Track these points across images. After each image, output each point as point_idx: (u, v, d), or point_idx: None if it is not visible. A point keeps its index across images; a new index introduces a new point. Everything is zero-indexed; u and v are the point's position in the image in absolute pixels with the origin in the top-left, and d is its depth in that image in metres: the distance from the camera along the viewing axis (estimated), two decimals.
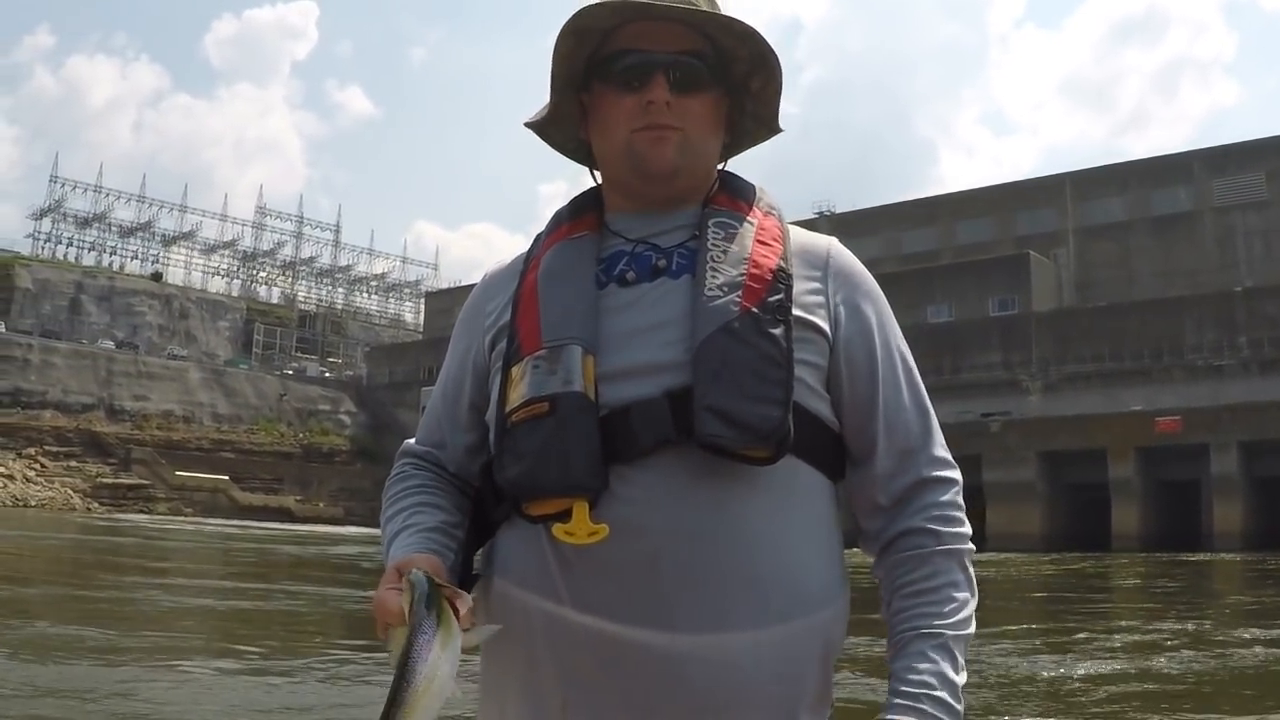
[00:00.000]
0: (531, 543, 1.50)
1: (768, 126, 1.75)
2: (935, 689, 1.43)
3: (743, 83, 1.68)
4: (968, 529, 1.58)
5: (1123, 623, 15.22)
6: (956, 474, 1.61)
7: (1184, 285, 66.19)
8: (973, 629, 1.52)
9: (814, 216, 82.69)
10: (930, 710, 1.42)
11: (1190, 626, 14.59)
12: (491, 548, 1.60)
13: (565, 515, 1.43)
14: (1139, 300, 64.29)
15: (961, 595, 1.53)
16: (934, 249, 77.53)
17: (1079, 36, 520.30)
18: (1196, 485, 51.83)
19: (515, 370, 1.54)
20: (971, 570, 1.56)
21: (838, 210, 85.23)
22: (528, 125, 1.75)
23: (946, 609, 1.50)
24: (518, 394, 1.51)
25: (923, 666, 1.45)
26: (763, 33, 1.60)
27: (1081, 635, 13.18)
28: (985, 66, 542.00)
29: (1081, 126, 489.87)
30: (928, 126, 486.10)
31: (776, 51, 1.63)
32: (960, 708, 1.44)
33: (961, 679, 1.46)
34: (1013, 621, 15.78)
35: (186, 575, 22.67)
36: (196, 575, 22.95)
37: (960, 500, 1.59)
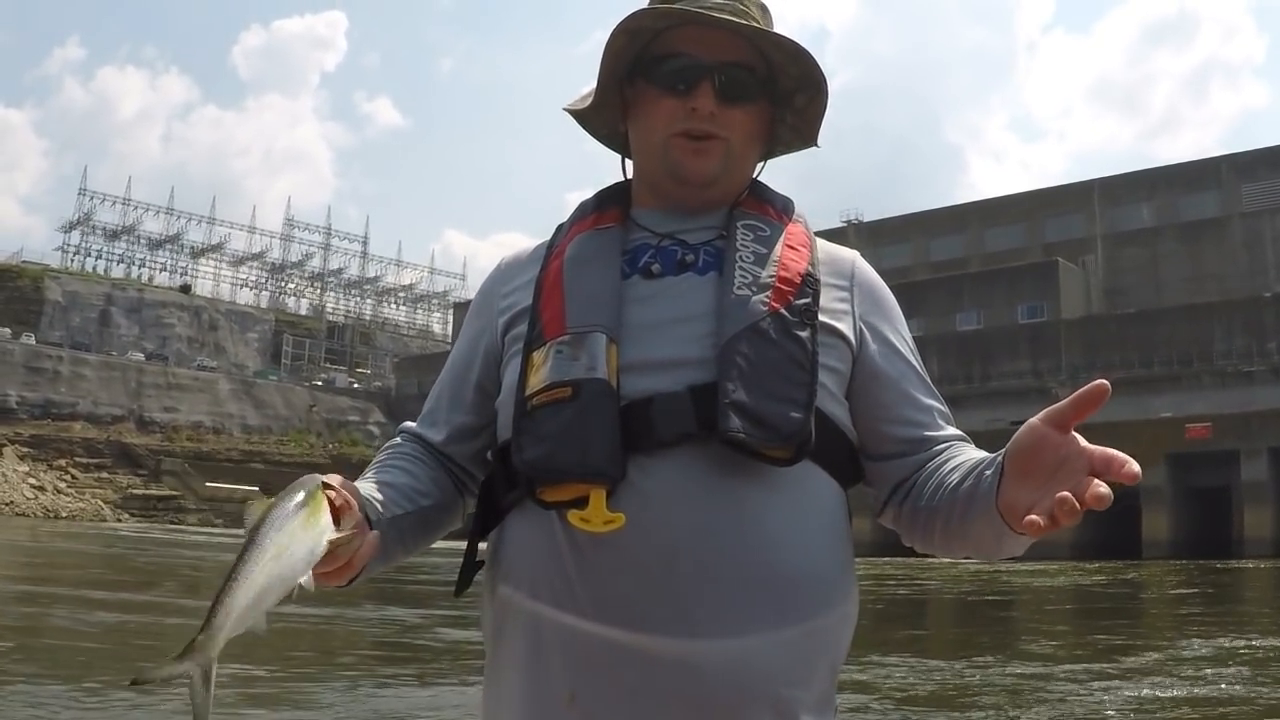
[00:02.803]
0: (543, 530, 1.47)
1: (804, 139, 1.75)
2: None
3: (787, 98, 1.69)
4: None
5: (1166, 638, 14.50)
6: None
7: (1213, 291, 65.81)
8: None
9: (842, 225, 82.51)
10: None
11: (1243, 642, 13.92)
12: (499, 536, 1.57)
13: (580, 503, 1.42)
14: (1168, 306, 64.01)
15: None
16: (962, 256, 77.26)
17: (1108, 41, 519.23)
18: (1227, 491, 51.29)
19: (537, 355, 1.53)
20: None
21: (866, 219, 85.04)
22: (566, 110, 1.76)
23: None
24: (539, 378, 1.50)
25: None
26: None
27: (1130, 657, 12.42)
28: (1014, 72, 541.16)
29: (1110, 131, 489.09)
30: (956, 132, 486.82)
31: (824, 71, 1.63)
32: None
33: None
34: (1054, 638, 15.43)
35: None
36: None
37: None
